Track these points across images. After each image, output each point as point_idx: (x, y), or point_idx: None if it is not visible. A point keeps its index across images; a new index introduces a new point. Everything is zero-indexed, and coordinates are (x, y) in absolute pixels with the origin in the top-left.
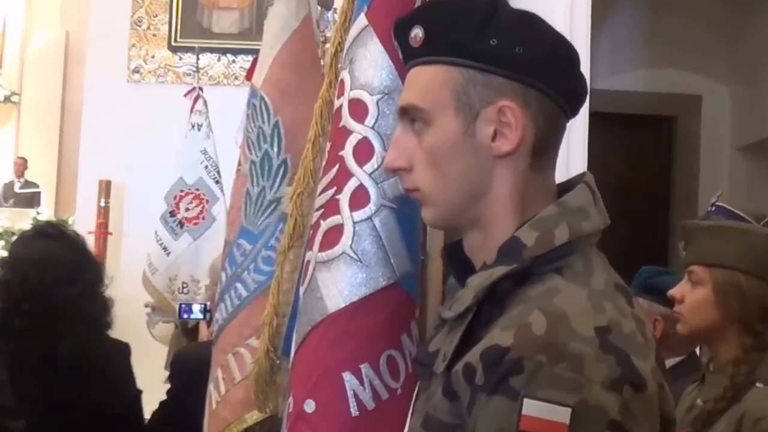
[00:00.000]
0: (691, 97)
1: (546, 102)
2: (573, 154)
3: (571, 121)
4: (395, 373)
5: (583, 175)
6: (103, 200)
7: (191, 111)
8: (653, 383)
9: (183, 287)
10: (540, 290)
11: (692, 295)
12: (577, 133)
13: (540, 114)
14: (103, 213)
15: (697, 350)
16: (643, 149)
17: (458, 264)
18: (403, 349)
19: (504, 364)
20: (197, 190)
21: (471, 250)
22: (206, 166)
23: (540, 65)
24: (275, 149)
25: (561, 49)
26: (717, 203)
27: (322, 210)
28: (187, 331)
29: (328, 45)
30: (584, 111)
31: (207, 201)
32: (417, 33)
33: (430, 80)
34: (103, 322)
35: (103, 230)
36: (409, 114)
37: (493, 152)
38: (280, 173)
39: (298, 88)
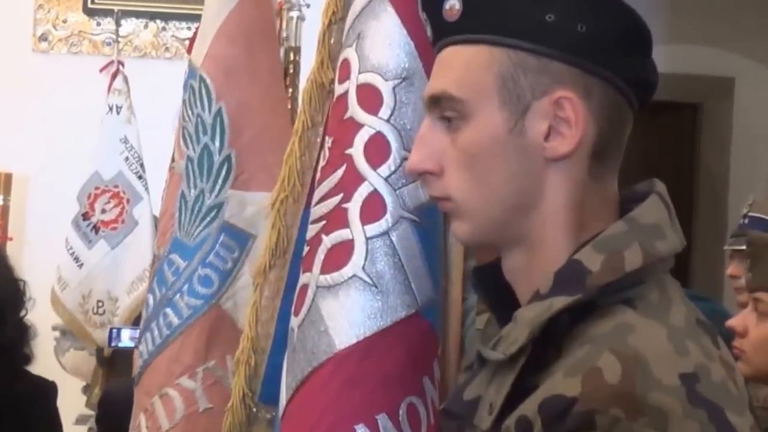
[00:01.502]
0: (721, 79)
1: (611, 93)
2: None
3: None
4: (416, 426)
5: (652, 183)
6: (1, 197)
7: (108, 90)
8: None
9: (98, 307)
10: (609, 327)
11: (758, 329)
12: None
13: (604, 108)
14: (1, 213)
15: None
16: (662, 142)
17: (492, 290)
18: (425, 395)
19: (570, 418)
20: (116, 187)
21: (514, 273)
22: (127, 158)
23: (606, 47)
24: (217, 143)
25: (632, 28)
26: (750, 213)
27: (325, 222)
28: (103, 360)
29: (294, 13)
30: None
31: (128, 200)
32: (453, 3)
33: (470, 63)
34: (18, 355)
35: (0, 235)
36: (440, 105)
37: (546, 154)
38: (223, 173)
39: (247, 67)
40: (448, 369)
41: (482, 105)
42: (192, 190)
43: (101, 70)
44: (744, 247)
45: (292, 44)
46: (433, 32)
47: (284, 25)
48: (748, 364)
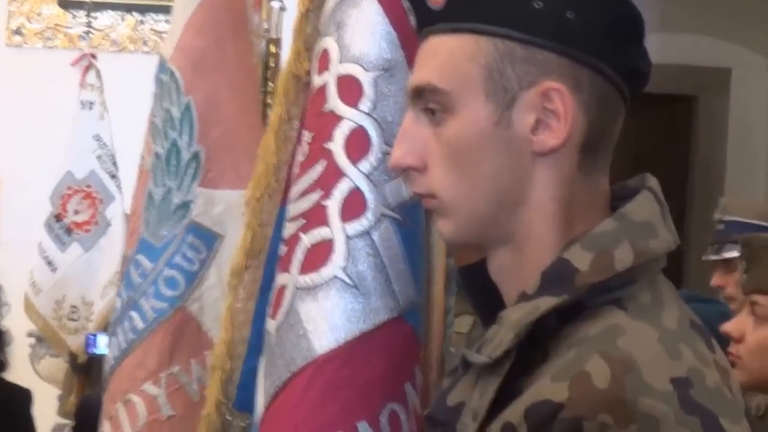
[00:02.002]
0: (717, 70)
1: (602, 84)
2: None
3: None
4: None
5: (644, 178)
6: None
7: (81, 85)
8: None
9: (72, 312)
10: (598, 329)
11: (755, 333)
12: None
13: (594, 99)
14: None
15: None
16: (656, 136)
17: (479, 291)
18: (406, 402)
19: (557, 424)
20: (88, 186)
21: (500, 273)
22: (99, 156)
23: (597, 36)
24: (185, 139)
25: (624, 16)
26: (725, 218)
27: (303, 220)
28: (78, 367)
29: (275, 4)
30: None
31: (100, 201)
32: None
33: (454, 54)
34: None
35: None
36: (423, 97)
37: (533, 148)
38: (191, 170)
39: (217, 60)
40: (429, 373)
41: (467, 97)
42: (159, 188)
43: (73, 64)
44: (725, 256)
45: (273, 36)
46: (417, 20)
47: (265, 17)
48: (745, 371)
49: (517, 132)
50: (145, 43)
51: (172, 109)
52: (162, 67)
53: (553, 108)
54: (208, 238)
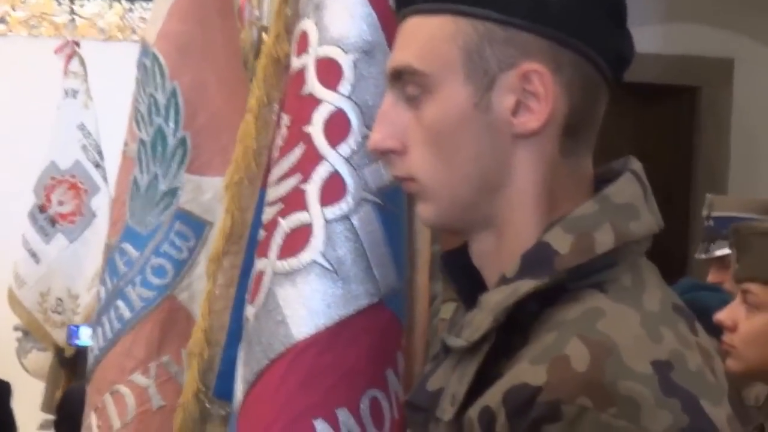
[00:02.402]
0: (720, 61)
1: (583, 66)
2: None
3: None
4: (379, 421)
5: (627, 161)
6: None
7: (64, 73)
8: None
9: (57, 305)
10: (578, 312)
11: (749, 322)
12: None
13: (575, 81)
14: None
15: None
16: (658, 127)
17: (462, 276)
18: (388, 388)
19: (535, 408)
20: (73, 177)
21: (482, 257)
22: (84, 146)
23: (578, 17)
24: (171, 125)
25: None
26: (713, 215)
27: (282, 204)
28: (65, 361)
29: None
30: None
31: (85, 191)
32: None
33: (433, 35)
34: None
35: None
36: (402, 79)
37: (514, 130)
38: (177, 156)
39: (203, 44)
40: (414, 361)
41: (446, 79)
42: (144, 175)
43: (56, 52)
44: (717, 254)
45: (265, 24)
46: (396, 1)
47: (256, 4)
48: (740, 360)
49: (497, 114)
50: (133, 31)
51: (156, 95)
52: (145, 52)
53: (533, 90)
54: (196, 226)
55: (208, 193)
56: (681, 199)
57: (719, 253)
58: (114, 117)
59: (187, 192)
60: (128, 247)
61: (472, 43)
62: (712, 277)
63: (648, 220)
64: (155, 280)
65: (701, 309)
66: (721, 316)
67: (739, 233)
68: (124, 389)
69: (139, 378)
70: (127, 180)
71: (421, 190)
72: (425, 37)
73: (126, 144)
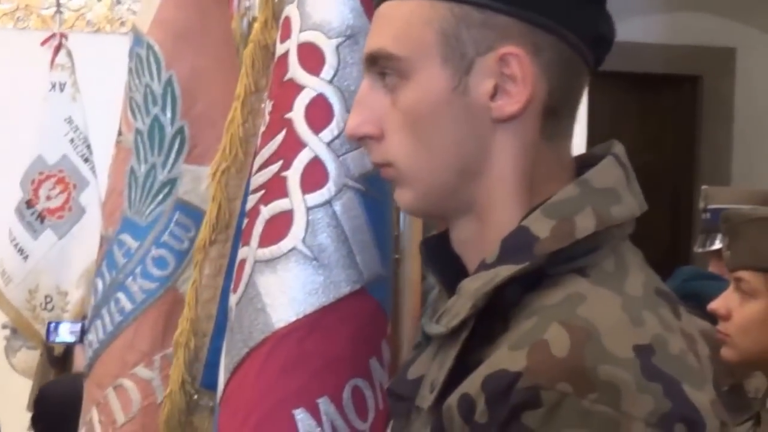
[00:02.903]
0: (722, 50)
1: (563, 48)
2: None
3: None
4: (362, 411)
5: (610, 145)
6: None
7: (51, 65)
8: (714, 420)
9: (46, 302)
10: (559, 297)
11: (742, 309)
12: None
13: (554, 64)
14: None
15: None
16: (660, 117)
17: (443, 263)
18: (371, 377)
19: (514, 395)
20: (61, 171)
21: (462, 244)
22: (72, 140)
23: (557, 0)
24: (168, 114)
25: None
26: (710, 207)
27: (263, 191)
28: (54, 359)
29: None
30: None
31: (74, 186)
32: None
33: (409, 18)
34: None
35: None
36: (378, 64)
37: (492, 115)
38: (176, 146)
39: (199, 32)
40: (403, 351)
41: (423, 63)
42: (142, 165)
43: (43, 44)
44: (715, 247)
45: (256, 14)
46: None
47: None
48: (735, 348)
49: (475, 98)
50: (122, 23)
51: (152, 84)
52: (138, 40)
53: (511, 73)
54: (196, 216)
55: (207, 183)
56: (685, 190)
57: (717, 245)
58: (103, 110)
59: (186, 182)
60: (127, 238)
61: (449, 27)
62: (712, 269)
63: (630, 204)
64: (156, 272)
65: (702, 296)
66: (715, 304)
67: (730, 221)
68: (127, 383)
69: (142, 371)
70: (123, 170)
71: (399, 175)
72: (400, 20)
73: (120, 134)
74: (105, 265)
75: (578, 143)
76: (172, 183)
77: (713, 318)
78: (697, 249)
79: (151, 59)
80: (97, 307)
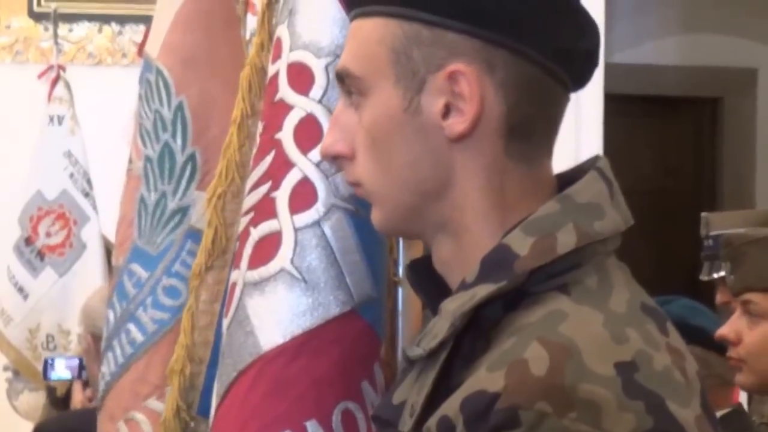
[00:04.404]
0: (743, 71)
1: (522, 65)
2: (584, 149)
3: (581, 107)
4: None
5: (595, 159)
6: None
7: (49, 99)
8: None
9: (48, 341)
10: (539, 315)
11: (753, 333)
12: (589, 121)
13: (513, 81)
14: None
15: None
16: (680, 140)
17: (429, 284)
18: (363, 401)
19: (493, 415)
20: (61, 206)
21: (443, 264)
22: (71, 174)
23: (513, 15)
24: (179, 141)
25: None
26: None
27: (253, 213)
28: (56, 401)
29: None
30: (598, 93)
31: (74, 222)
32: None
33: (366, 37)
34: None
35: None
36: (345, 82)
37: (445, 134)
38: (187, 173)
39: (208, 57)
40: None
41: (378, 82)
42: (152, 193)
43: (40, 77)
44: (720, 274)
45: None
46: (346, 4)
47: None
48: (751, 373)
49: (428, 117)
50: (124, 55)
51: (162, 110)
52: (148, 66)
53: (460, 91)
54: None
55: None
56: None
57: (723, 272)
58: (105, 143)
59: (198, 210)
60: (137, 268)
61: (400, 45)
62: (720, 298)
63: (614, 219)
64: (168, 301)
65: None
66: (724, 331)
67: (731, 244)
68: (139, 416)
69: (154, 403)
70: (133, 199)
71: (368, 195)
72: (359, 39)
73: (131, 162)
74: (116, 295)
75: None
76: (183, 211)
77: (722, 346)
78: (703, 277)
79: (161, 85)
80: (109, 338)
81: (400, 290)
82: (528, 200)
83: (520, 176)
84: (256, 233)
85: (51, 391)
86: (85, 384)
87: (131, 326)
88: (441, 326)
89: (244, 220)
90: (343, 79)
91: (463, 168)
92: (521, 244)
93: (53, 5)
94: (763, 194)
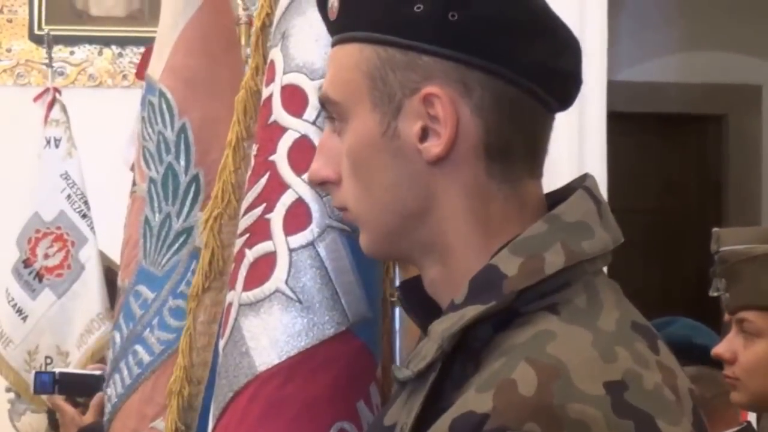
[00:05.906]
0: (747, 88)
1: (499, 86)
2: (588, 167)
3: (585, 125)
4: None
5: (582, 178)
6: None
7: (45, 121)
8: None
9: (47, 363)
10: (528, 335)
11: (748, 351)
12: (592, 139)
13: (490, 103)
14: None
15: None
16: (683, 158)
17: (420, 305)
18: (359, 421)
19: None
20: (58, 228)
21: (433, 285)
22: (69, 196)
23: (486, 36)
24: (182, 162)
25: (521, 9)
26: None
27: (248, 235)
28: (56, 423)
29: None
30: (601, 111)
31: (72, 243)
32: (333, 2)
33: (343, 63)
34: None
35: None
36: (327, 108)
37: (424, 157)
38: (191, 194)
39: (210, 80)
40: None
41: (355, 107)
42: (157, 215)
43: (35, 100)
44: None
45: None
46: (328, 31)
47: (245, 43)
48: (746, 391)
49: (405, 141)
50: (125, 77)
51: (165, 132)
52: (151, 88)
53: (435, 114)
54: None
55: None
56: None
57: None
58: (107, 163)
59: None
60: (143, 289)
61: (375, 70)
62: (727, 315)
63: (603, 237)
64: (174, 322)
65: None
66: (719, 349)
67: (726, 262)
68: None
69: (161, 424)
70: (137, 221)
71: (354, 219)
72: (337, 65)
73: (135, 184)
74: (122, 317)
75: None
76: (188, 232)
77: (719, 363)
78: (712, 293)
79: (164, 107)
80: (116, 360)
81: (397, 310)
82: (513, 221)
83: (503, 197)
84: (251, 254)
85: (51, 413)
86: (75, 402)
87: (138, 347)
88: (429, 348)
89: (239, 242)
90: (324, 105)
91: (444, 191)
92: (509, 264)
93: (47, 28)
94: None
